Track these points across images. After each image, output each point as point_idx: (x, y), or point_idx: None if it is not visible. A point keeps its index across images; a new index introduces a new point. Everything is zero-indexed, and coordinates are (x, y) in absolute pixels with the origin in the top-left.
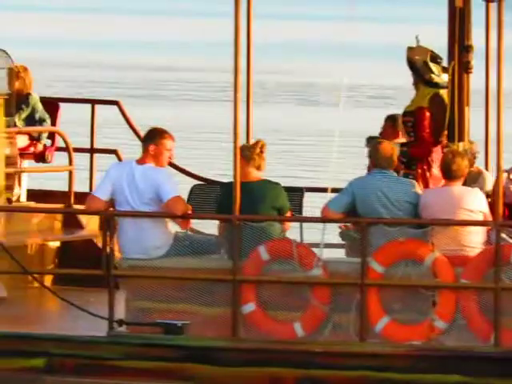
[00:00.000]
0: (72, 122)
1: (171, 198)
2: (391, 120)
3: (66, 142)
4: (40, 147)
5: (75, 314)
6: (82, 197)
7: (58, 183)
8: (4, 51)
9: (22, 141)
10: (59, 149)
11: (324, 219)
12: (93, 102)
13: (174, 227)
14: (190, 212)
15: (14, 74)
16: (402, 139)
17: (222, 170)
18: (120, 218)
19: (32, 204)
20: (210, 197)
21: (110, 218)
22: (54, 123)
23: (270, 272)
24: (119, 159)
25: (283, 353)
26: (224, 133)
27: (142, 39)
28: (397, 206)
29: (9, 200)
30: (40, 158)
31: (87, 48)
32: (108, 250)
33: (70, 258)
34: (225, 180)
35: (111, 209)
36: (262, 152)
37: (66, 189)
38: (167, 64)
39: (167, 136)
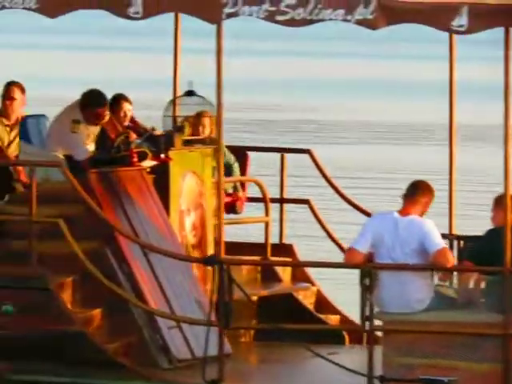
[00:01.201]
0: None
1: (440, 249)
2: None
3: (263, 192)
4: (242, 197)
5: (309, 370)
6: (274, 248)
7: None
8: (203, 97)
9: None
10: (249, 199)
11: None
12: (282, 151)
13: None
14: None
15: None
16: None
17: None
18: (379, 270)
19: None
20: None
21: (370, 272)
22: (243, 173)
23: None
24: (312, 209)
25: None
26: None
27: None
28: None
29: None
30: (230, 208)
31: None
32: (368, 304)
33: (269, 312)
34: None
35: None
36: None
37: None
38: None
39: (434, 191)
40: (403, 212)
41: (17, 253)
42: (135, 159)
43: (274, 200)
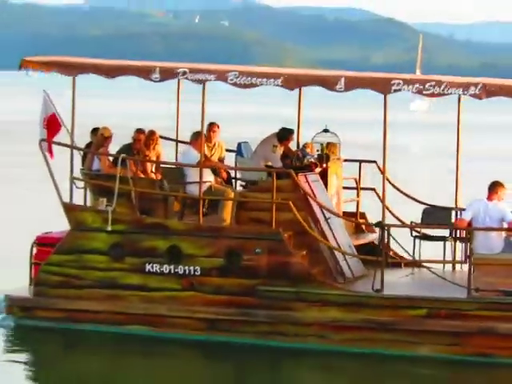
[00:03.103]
0: None
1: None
2: None
3: (357, 184)
4: None
5: (428, 283)
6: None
7: None
8: (334, 133)
9: None
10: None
11: None
12: (359, 161)
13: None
14: None
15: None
16: None
17: None
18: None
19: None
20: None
21: (470, 232)
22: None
23: None
24: (376, 194)
25: None
26: None
27: None
28: None
29: None
30: None
31: None
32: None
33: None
34: None
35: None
36: None
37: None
38: None
39: (506, 187)
40: (489, 198)
41: (261, 220)
42: (313, 167)
43: (352, 188)
